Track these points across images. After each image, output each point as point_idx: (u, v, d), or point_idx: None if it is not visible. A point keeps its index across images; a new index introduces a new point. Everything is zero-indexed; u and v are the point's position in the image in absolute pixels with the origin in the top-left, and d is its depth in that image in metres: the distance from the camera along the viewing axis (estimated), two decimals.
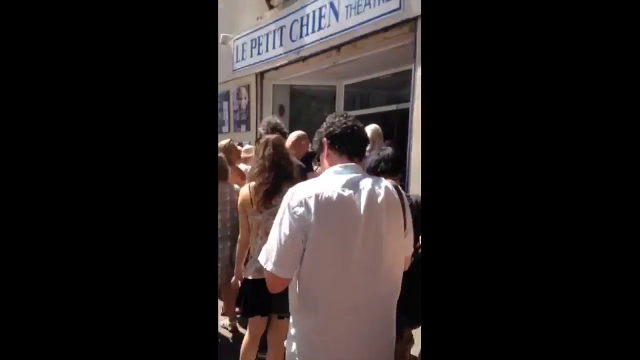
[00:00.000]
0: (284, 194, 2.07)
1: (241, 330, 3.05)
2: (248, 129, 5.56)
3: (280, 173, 2.04)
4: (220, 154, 2.84)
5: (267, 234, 2.13)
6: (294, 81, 5.24)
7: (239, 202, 2.14)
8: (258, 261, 2.15)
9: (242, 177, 3.23)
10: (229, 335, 3.01)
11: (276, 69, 5.03)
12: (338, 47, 4.13)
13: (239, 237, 2.15)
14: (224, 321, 3.07)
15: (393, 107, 4.68)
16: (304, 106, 5.50)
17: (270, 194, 2.02)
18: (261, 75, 5.33)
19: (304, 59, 4.55)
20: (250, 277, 2.09)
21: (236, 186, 2.90)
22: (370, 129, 3.08)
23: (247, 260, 2.17)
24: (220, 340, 2.89)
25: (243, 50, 5.51)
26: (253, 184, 2.09)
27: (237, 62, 5.66)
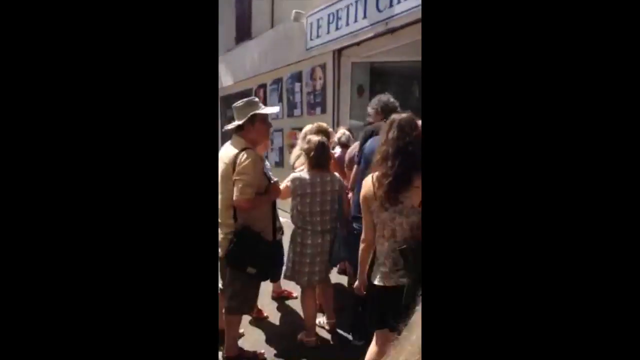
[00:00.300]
0: (414, 188, 1.73)
1: (341, 332, 2.79)
2: (323, 111, 5.24)
3: (407, 161, 1.65)
4: (323, 138, 2.51)
5: (393, 235, 1.74)
6: (377, 57, 4.80)
7: (361, 195, 1.81)
8: (384, 264, 1.86)
9: None
10: (327, 335, 2.76)
11: (358, 44, 4.63)
12: None
13: (362, 235, 1.83)
14: (320, 319, 2.82)
15: None
16: (385, 86, 5.04)
17: (395, 187, 1.65)
18: (339, 52, 4.96)
19: (393, 30, 4.10)
20: (375, 282, 1.77)
21: (337, 174, 2.59)
22: None
23: (372, 263, 1.85)
24: (319, 343, 2.65)
25: (318, 26, 5.15)
26: (377, 174, 1.74)
27: (311, 39, 5.32)
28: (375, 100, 2.56)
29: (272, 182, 2.31)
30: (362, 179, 2.41)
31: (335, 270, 3.26)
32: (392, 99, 2.52)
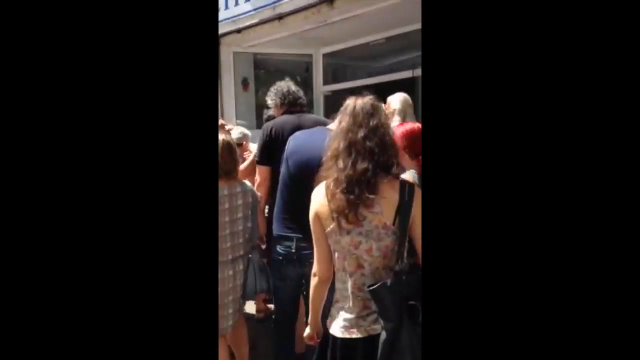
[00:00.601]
0: (382, 198, 1.25)
1: None
2: None
3: (364, 160, 1.20)
4: (228, 137, 1.89)
5: (359, 266, 1.21)
6: (260, 48, 4.28)
7: (311, 211, 1.29)
8: (349, 309, 1.22)
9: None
10: None
11: (239, 31, 4.04)
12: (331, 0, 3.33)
13: (314, 267, 1.31)
14: None
15: (396, 76, 3.98)
16: (270, 80, 4.57)
17: (352, 198, 1.18)
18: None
19: (281, 16, 3.65)
20: (337, 335, 1.26)
21: (248, 183, 2.00)
22: (399, 99, 2.41)
23: (326, 304, 1.35)
24: None
25: None
26: (329, 180, 1.25)
27: None
28: (274, 90, 2.12)
29: None
30: (285, 187, 1.90)
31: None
32: (293, 87, 2.13)
